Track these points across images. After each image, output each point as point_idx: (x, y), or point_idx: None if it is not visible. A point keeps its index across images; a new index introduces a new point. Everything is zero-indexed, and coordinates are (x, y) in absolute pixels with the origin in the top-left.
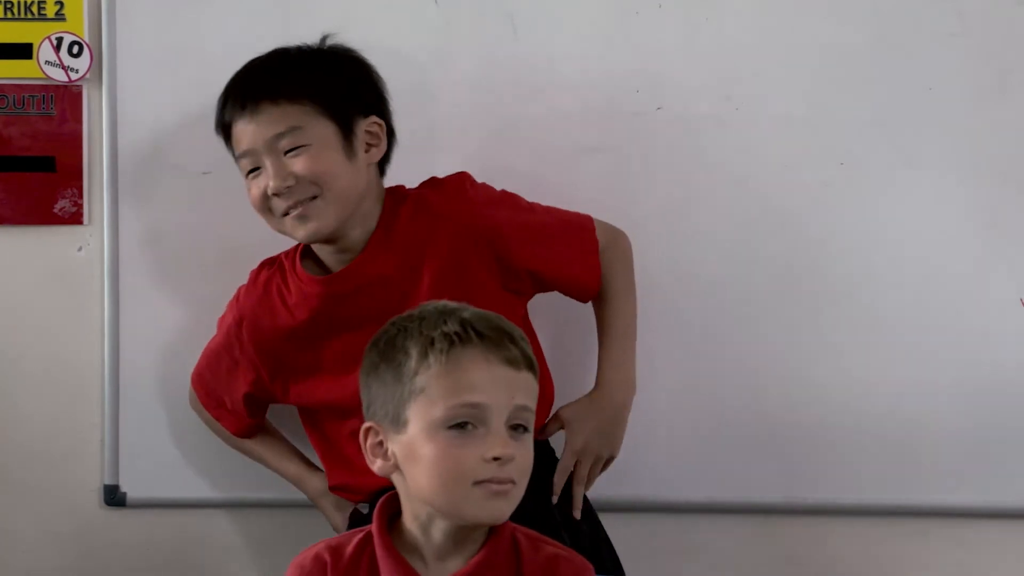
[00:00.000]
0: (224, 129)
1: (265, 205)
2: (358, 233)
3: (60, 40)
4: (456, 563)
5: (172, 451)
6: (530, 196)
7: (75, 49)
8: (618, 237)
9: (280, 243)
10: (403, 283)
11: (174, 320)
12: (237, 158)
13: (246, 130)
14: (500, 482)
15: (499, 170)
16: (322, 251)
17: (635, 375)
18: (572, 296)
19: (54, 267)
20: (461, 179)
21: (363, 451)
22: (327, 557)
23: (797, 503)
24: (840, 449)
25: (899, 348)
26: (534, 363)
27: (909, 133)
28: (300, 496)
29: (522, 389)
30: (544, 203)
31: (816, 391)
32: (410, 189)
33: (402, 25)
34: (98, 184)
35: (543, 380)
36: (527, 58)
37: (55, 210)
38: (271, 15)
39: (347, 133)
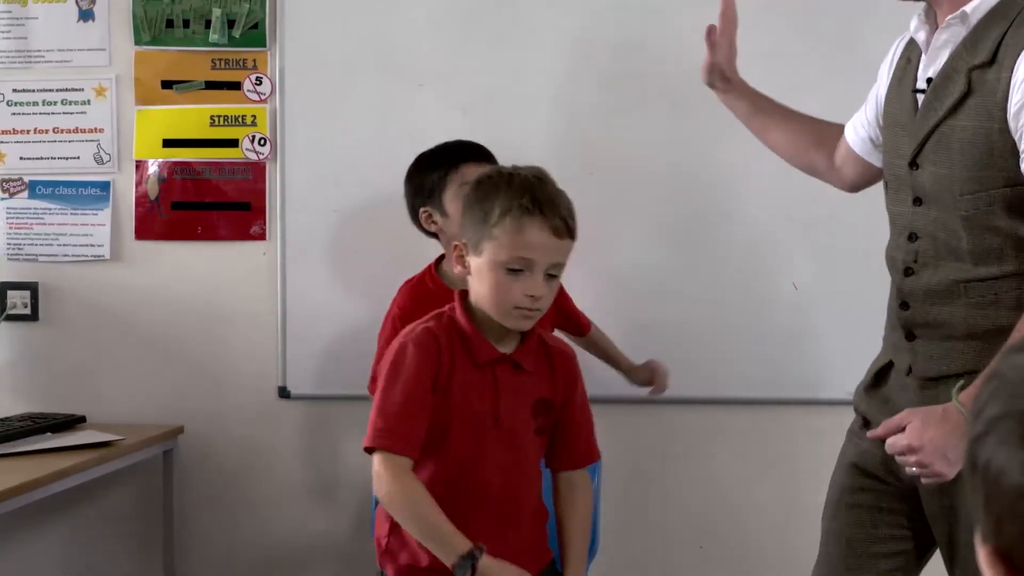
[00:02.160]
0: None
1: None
2: None
3: (254, 137)
4: (508, 345)
5: (317, 367)
6: None
7: (262, 141)
8: None
9: (373, 255)
10: None
11: (316, 292)
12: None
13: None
14: (530, 310)
15: None
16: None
17: None
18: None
19: (250, 263)
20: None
21: (452, 258)
22: (436, 331)
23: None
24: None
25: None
26: (575, 232)
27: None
28: None
29: (561, 251)
30: None
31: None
32: None
33: (440, 129)
34: (274, 217)
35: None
36: (513, 144)
37: (251, 232)
38: (374, 120)
39: None
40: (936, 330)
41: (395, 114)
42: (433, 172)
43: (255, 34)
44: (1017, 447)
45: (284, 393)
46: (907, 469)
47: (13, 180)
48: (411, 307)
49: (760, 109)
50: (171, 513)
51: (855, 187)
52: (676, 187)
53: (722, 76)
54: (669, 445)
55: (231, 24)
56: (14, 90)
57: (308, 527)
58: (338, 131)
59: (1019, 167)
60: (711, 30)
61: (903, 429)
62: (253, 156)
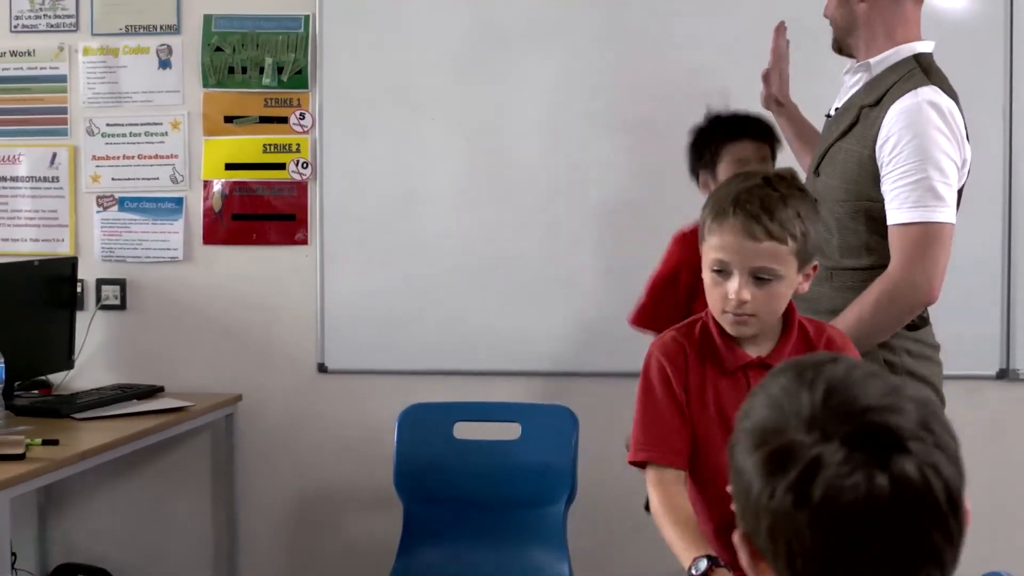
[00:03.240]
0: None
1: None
2: None
3: (298, 161)
4: (763, 347)
5: (350, 347)
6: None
7: (304, 165)
8: None
9: (393, 256)
10: None
11: (348, 286)
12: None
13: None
14: (738, 315)
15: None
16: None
17: None
18: None
19: (295, 264)
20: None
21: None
22: (682, 340)
23: None
24: None
25: None
26: (780, 236)
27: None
28: (422, 367)
29: (762, 255)
30: None
31: None
32: None
33: (446, 154)
34: (314, 226)
35: None
36: (508, 165)
37: (295, 238)
38: (394, 148)
39: None
40: (809, 304)
41: (411, 142)
42: (712, 142)
43: (299, 78)
44: (748, 454)
45: (323, 368)
46: None
47: (106, 197)
48: (682, 256)
49: (800, 135)
50: (232, 465)
51: None
52: (650, 202)
53: (776, 102)
54: None
55: (280, 70)
56: (107, 124)
57: (340, 478)
58: (365, 156)
59: (878, 187)
60: (765, 74)
61: None
62: (297, 177)
